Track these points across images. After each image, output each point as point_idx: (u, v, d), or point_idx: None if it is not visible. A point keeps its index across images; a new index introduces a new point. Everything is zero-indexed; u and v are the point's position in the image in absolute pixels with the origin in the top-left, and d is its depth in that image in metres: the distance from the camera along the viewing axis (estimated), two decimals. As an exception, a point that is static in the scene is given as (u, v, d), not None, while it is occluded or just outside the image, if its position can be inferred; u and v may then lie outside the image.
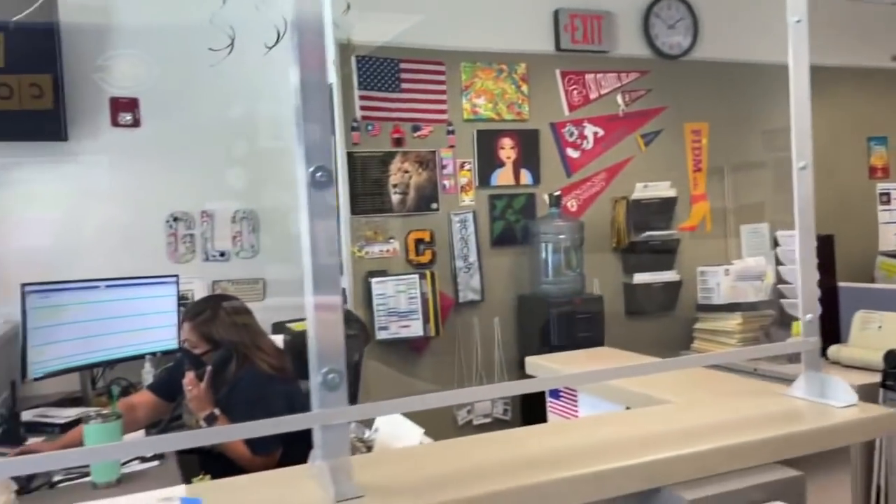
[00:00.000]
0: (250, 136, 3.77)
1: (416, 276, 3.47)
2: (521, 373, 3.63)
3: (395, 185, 3.50)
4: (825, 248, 3.77)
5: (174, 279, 3.38)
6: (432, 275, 3.51)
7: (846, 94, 4.68)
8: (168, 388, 2.53)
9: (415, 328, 3.38)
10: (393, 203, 3.50)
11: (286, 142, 3.90)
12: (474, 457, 1.12)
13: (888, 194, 4.83)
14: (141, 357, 3.22)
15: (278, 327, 3.71)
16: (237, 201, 3.79)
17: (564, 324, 3.50)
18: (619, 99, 4.01)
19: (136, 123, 3.60)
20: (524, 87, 3.76)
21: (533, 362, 2.23)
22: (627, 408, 1.60)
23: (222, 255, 3.80)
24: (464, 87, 3.64)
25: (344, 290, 3.44)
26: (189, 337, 2.44)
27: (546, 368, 2.10)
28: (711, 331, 3.91)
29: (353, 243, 3.43)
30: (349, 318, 3.05)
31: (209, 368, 2.33)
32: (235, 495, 1.04)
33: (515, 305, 3.72)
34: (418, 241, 3.53)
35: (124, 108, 3.56)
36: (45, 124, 3.33)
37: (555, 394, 1.88)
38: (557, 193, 3.68)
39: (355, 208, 3.43)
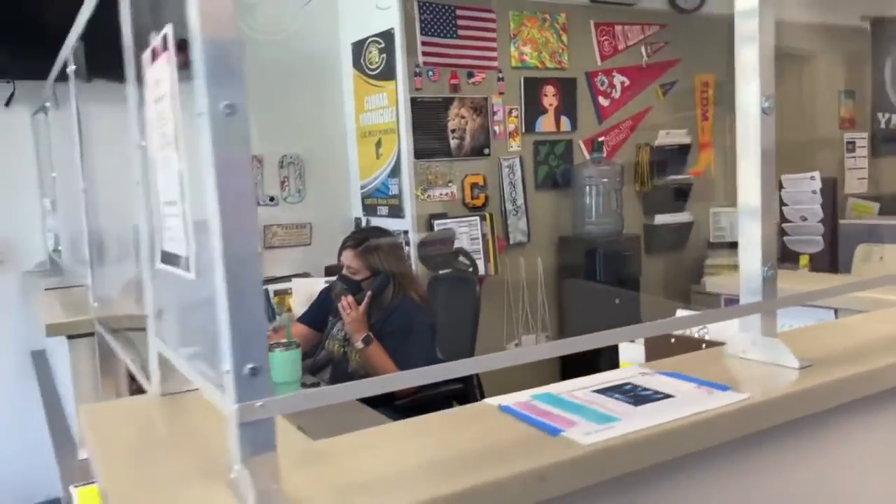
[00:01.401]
0: (294, 80, 3.77)
1: (477, 217, 3.63)
2: (558, 309, 3.89)
3: (453, 131, 3.62)
4: (829, 190, 4.21)
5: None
6: (490, 217, 3.68)
7: (820, 50, 5.11)
8: (318, 318, 2.66)
9: (478, 268, 3.55)
10: (451, 148, 3.62)
11: (328, 87, 3.93)
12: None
13: (853, 143, 5.35)
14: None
15: (330, 270, 3.79)
16: (284, 146, 3.80)
17: (610, 262, 3.77)
18: (643, 50, 4.25)
19: (185, 65, 3.51)
20: (564, 37, 3.93)
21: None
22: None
23: (272, 199, 3.81)
24: (512, 35, 3.76)
25: (407, 232, 3.56)
26: (351, 263, 2.56)
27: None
28: (722, 266, 4.29)
29: (416, 186, 3.54)
30: (461, 253, 3.19)
31: (369, 293, 2.45)
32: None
33: (556, 246, 3.95)
34: (473, 185, 3.68)
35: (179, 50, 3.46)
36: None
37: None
38: (601, 139, 3.90)
39: (418, 153, 3.53)
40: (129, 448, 0.92)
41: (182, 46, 2.92)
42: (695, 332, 1.42)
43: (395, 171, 3.61)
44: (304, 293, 3.49)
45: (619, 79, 4.16)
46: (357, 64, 3.80)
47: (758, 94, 1.08)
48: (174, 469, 0.84)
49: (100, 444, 0.92)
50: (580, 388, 1.03)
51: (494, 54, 3.70)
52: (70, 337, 1.86)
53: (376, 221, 3.82)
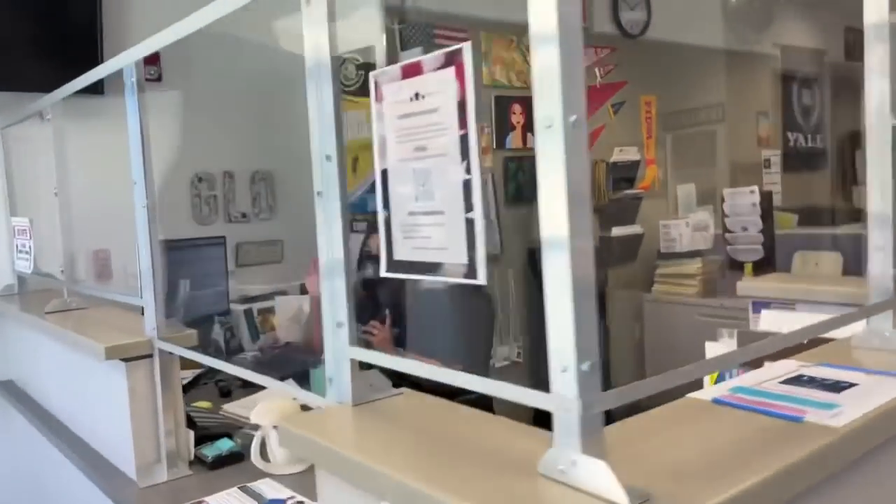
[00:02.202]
0: (266, 94, 3.71)
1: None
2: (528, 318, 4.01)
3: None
4: (766, 202, 4.58)
5: (221, 241, 3.29)
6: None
7: (741, 75, 5.55)
8: None
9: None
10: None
11: (297, 103, 3.87)
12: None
13: (769, 160, 5.82)
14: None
15: (305, 288, 3.74)
16: (255, 162, 3.73)
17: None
18: (597, 71, 4.47)
19: (158, 78, 3.40)
20: (528, 58, 4.07)
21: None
22: None
23: (244, 216, 3.72)
24: (483, 53, 3.88)
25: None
26: None
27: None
28: (673, 275, 4.56)
29: (399, 202, 3.56)
30: None
31: (388, 312, 2.46)
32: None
33: (527, 258, 4.07)
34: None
35: (148, 62, 3.33)
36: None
37: (763, 305, 2.27)
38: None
39: (400, 168, 3.56)
40: (400, 453, 0.92)
41: (152, 60, 2.84)
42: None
43: (374, 188, 3.61)
44: (287, 312, 3.43)
45: (576, 98, 4.35)
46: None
47: (889, 103, 1.21)
48: (471, 469, 0.86)
49: (365, 455, 0.92)
50: (762, 381, 1.12)
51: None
52: (126, 360, 1.77)
53: (353, 238, 3.80)
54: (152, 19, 3.34)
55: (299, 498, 1.64)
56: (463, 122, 0.85)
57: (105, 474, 1.87)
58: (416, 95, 0.92)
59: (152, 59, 3.37)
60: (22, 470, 2.87)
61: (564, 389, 0.76)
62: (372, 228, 3.66)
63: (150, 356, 1.79)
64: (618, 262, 4.54)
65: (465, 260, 0.87)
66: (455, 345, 2.67)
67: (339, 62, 1.09)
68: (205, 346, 3.11)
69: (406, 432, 1.00)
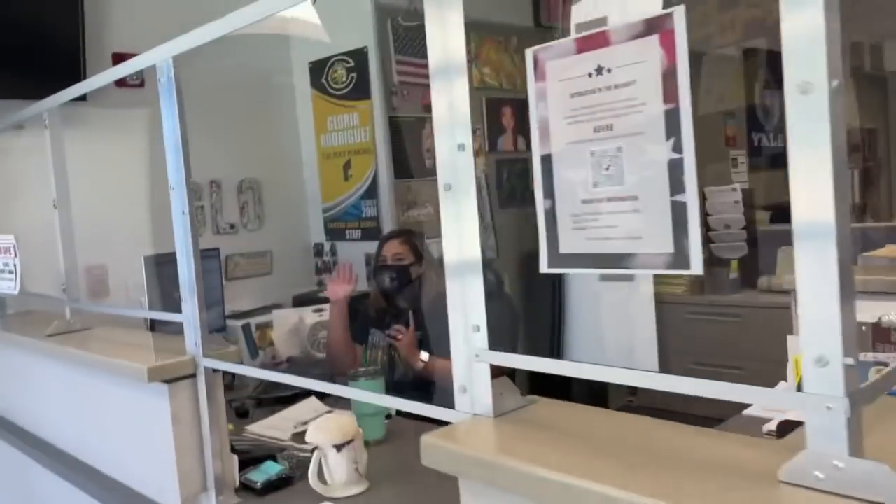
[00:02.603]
0: (251, 100, 3.56)
1: (458, 237, 3.60)
2: (525, 323, 3.94)
3: (427, 150, 3.58)
4: (748, 199, 4.64)
5: (216, 253, 3.12)
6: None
7: (709, 75, 5.65)
8: (360, 333, 2.62)
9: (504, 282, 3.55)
10: (426, 167, 3.58)
11: (281, 109, 3.73)
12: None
13: (736, 159, 5.93)
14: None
15: (298, 300, 3.59)
16: (242, 170, 3.57)
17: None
18: (579, 73, 4.46)
19: (142, 84, 3.21)
20: (516, 59, 4.03)
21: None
22: None
23: (232, 227, 3.56)
24: (473, 56, 3.81)
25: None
26: (399, 250, 2.63)
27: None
28: (660, 274, 4.56)
29: (397, 206, 3.45)
30: (487, 266, 3.14)
31: (411, 314, 2.40)
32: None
33: (523, 261, 4.02)
34: (447, 205, 3.65)
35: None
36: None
37: None
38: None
39: (397, 172, 3.46)
40: (591, 466, 0.83)
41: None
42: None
43: (371, 193, 3.50)
44: (285, 325, 3.27)
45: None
46: (317, 84, 3.66)
47: None
48: (692, 479, 0.77)
49: (545, 467, 0.82)
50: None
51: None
52: (168, 381, 1.62)
53: (345, 246, 3.68)
54: (135, 27, 3.19)
55: (371, 521, 1.52)
56: (670, 95, 0.78)
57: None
58: (599, 70, 0.83)
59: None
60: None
61: (824, 386, 0.69)
62: (373, 236, 3.55)
63: (193, 376, 1.64)
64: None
65: (670, 248, 0.79)
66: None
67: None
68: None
69: (583, 442, 0.90)
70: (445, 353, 2.51)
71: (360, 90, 3.46)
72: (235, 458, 1.74)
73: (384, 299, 2.71)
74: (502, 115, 3.95)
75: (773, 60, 6.08)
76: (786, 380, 1.86)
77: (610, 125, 0.83)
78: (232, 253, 3.52)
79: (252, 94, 3.60)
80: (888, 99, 7.16)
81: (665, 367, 4.22)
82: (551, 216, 0.91)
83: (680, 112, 0.77)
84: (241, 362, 1.77)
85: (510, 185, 3.98)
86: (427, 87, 3.71)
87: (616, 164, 0.83)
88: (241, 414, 2.41)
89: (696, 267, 0.78)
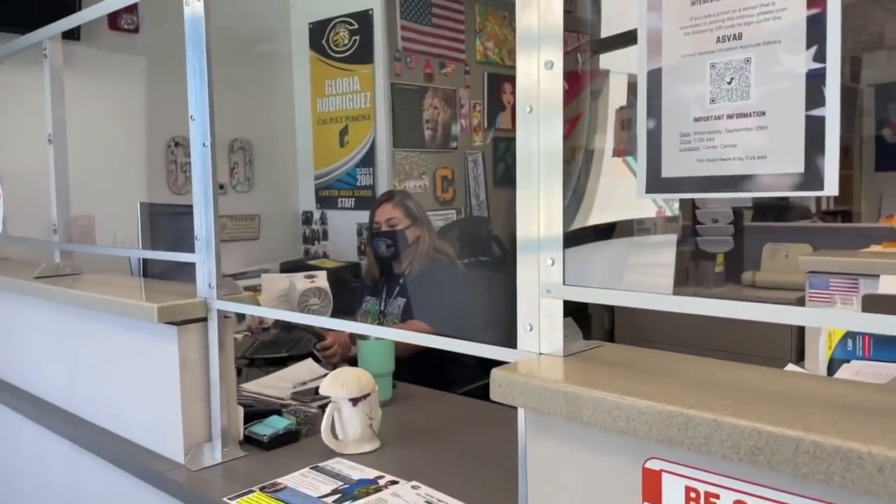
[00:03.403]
0: (242, 59, 3.43)
1: (454, 211, 3.53)
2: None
3: (427, 121, 3.50)
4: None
5: (205, 211, 2.99)
6: (463, 211, 3.60)
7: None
8: (351, 304, 2.72)
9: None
10: (425, 138, 3.50)
11: (277, 69, 3.61)
12: None
13: (722, 157, 5.97)
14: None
15: (285, 267, 3.48)
16: (234, 129, 3.44)
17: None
18: (578, 57, 4.41)
19: (136, 29, 3.07)
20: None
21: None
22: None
23: (221, 188, 3.40)
24: (477, 29, 3.74)
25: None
26: (393, 214, 2.57)
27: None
28: (647, 265, 4.56)
29: (394, 176, 3.37)
30: (496, 240, 3.08)
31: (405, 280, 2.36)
32: None
33: (512, 243, 3.96)
34: (444, 178, 3.59)
35: (126, 10, 3.00)
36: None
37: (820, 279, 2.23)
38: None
39: (396, 141, 3.37)
40: (702, 398, 0.77)
41: (130, 8, 2.56)
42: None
43: (368, 161, 3.41)
44: (273, 290, 3.16)
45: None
46: (317, 45, 3.55)
47: None
48: (827, 414, 0.72)
49: (642, 394, 0.76)
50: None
51: (462, 46, 3.65)
52: (177, 324, 1.52)
53: (337, 215, 3.58)
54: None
55: (390, 477, 1.45)
56: (817, 0, 0.72)
57: (142, 460, 1.60)
58: (728, -26, 0.77)
59: (129, 8, 3.03)
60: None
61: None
62: (367, 205, 3.46)
63: (203, 320, 1.55)
64: (592, 250, 4.50)
65: (800, 168, 0.74)
66: (478, 321, 2.56)
67: None
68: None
69: (669, 378, 0.84)
70: (430, 315, 2.49)
71: (361, 54, 3.36)
72: (241, 409, 1.65)
73: (379, 266, 2.65)
74: (503, 91, 3.88)
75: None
76: (793, 362, 1.85)
77: (739, 34, 0.77)
78: (220, 214, 3.38)
79: (249, 53, 3.47)
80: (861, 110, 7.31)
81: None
82: (655, 137, 0.84)
83: (826, 17, 0.71)
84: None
85: (505, 165, 3.92)
86: (431, 55, 3.67)
87: (741, 77, 0.77)
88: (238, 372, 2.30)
89: (831, 187, 0.72)
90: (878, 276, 2.19)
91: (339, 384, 1.58)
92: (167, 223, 2.51)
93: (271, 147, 3.59)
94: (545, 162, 0.97)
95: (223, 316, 1.56)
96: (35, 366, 2.13)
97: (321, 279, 3.12)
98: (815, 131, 0.73)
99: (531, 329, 0.98)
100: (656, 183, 0.85)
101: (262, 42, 3.55)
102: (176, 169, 3.23)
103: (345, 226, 3.53)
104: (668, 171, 0.84)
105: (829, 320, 0.71)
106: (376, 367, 1.95)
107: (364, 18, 3.34)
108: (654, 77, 0.84)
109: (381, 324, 2.68)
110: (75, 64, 2.84)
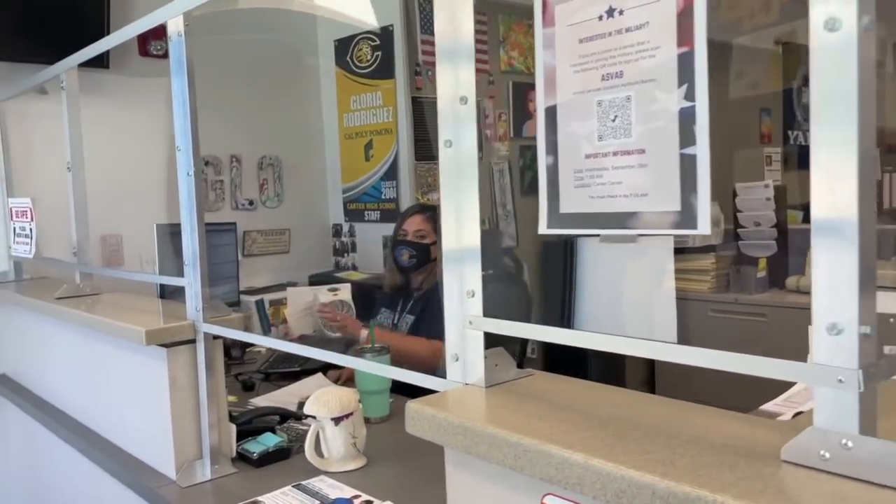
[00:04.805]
0: (271, 77, 3.53)
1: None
2: (543, 312, 3.87)
3: (449, 133, 3.52)
4: (781, 197, 4.51)
5: (232, 227, 3.10)
6: (488, 221, 3.61)
7: (743, 69, 5.50)
8: (368, 314, 2.72)
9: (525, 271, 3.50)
10: (448, 150, 3.52)
11: (305, 86, 3.70)
12: None
13: (770, 157, 5.78)
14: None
15: (314, 280, 3.56)
16: (263, 146, 3.54)
17: (589, 265, 3.81)
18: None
19: (165, 54, 3.19)
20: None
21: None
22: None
23: (251, 203, 3.53)
24: (501, 38, 3.74)
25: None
26: (421, 227, 2.60)
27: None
28: (686, 270, 4.47)
29: (416, 189, 3.41)
30: (508, 254, 3.09)
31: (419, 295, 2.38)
32: None
33: (541, 250, 3.94)
34: (468, 189, 3.60)
35: (155, 36, 3.13)
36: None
37: None
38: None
39: (418, 154, 3.41)
40: (586, 437, 0.77)
41: (159, 34, 2.61)
42: None
43: (391, 174, 3.46)
44: (298, 303, 3.24)
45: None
46: (342, 62, 3.62)
47: None
48: (693, 455, 0.71)
49: (528, 433, 0.77)
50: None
51: (486, 57, 3.66)
52: (166, 346, 1.59)
53: (364, 227, 3.64)
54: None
55: (366, 497, 1.47)
56: (685, 38, 0.71)
57: (137, 475, 1.68)
58: (611, 12, 0.77)
59: (158, 34, 3.16)
60: (18, 470, 2.65)
61: (836, 357, 0.62)
62: (392, 218, 3.51)
63: (192, 341, 1.61)
64: (629, 256, 4.43)
65: (676, 206, 0.73)
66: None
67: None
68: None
69: (573, 414, 0.85)
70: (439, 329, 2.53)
71: (384, 69, 3.41)
72: (233, 427, 1.71)
73: (399, 275, 2.67)
74: (529, 99, 3.87)
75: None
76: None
77: (620, 72, 0.77)
78: (250, 229, 3.50)
79: (277, 71, 3.57)
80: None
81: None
82: (553, 173, 0.85)
83: (695, 56, 0.71)
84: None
85: (533, 173, 3.91)
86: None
87: (623, 115, 0.77)
88: (247, 387, 2.38)
89: (704, 227, 0.71)
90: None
91: (321, 404, 1.62)
92: (178, 244, 2.62)
93: (300, 162, 3.68)
94: (465, 189, 0.98)
95: (212, 337, 1.62)
96: (57, 378, 2.26)
97: (345, 292, 3.18)
98: (687, 170, 0.72)
99: (457, 360, 0.99)
100: (555, 218, 0.86)
101: (290, 60, 3.64)
102: (206, 187, 3.35)
103: (372, 238, 3.59)
104: (565, 207, 0.84)
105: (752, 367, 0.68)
106: (372, 383, 1.99)
107: (385, 34, 3.39)
108: (551, 114, 0.85)
109: None
110: (105, 91, 2.99)
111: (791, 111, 5.97)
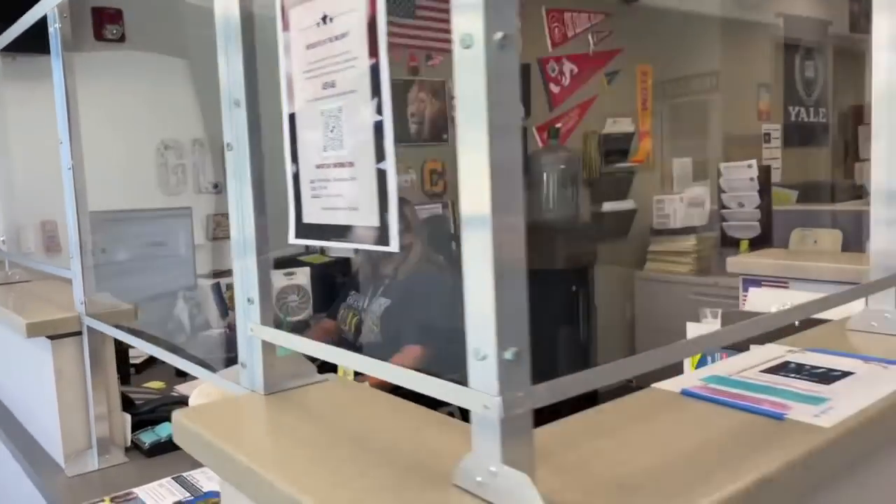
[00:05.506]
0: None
1: (440, 205, 3.52)
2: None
3: (412, 115, 3.49)
4: (764, 177, 4.40)
5: (187, 212, 3.12)
6: (453, 204, 3.58)
7: (742, 44, 5.34)
8: (337, 298, 2.68)
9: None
10: (411, 132, 3.50)
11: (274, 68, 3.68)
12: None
13: (769, 134, 5.63)
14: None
15: (279, 262, 3.58)
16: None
17: (566, 249, 3.76)
18: (590, 38, 4.27)
19: (121, 38, 3.20)
20: (517, 22, 3.87)
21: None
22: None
23: (216, 187, 3.54)
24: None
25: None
26: None
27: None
28: (667, 252, 4.40)
29: (377, 172, 3.39)
30: (457, 239, 3.08)
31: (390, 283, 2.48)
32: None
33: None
34: (433, 172, 3.57)
35: (110, 20, 3.15)
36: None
37: (756, 284, 2.12)
38: (558, 126, 3.89)
39: (379, 137, 3.38)
40: (294, 455, 0.77)
41: (114, 19, 2.61)
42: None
43: (353, 157, 3.44)
44: (258, 286, 3.27)
45: (568, 66, 4.16)
46: (307, 43, 3.59)
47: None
48: (373, 476, 0.70)
49: (250, 454, 0.76)
50: (741, 369, 0.97)
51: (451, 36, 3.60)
52: (52, 337, 1.62)
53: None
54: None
55: (238, 490, 1.49)
56: (374, 50, 0.69)
57: (34, 459, 1.72)
58: (325, 18, 0.74)
59: (114, 18, 3.18)
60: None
61: (482, 383, 0.60)
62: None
63: (80, 333, 1.63)
64: (609, 238, 4.38)
65: (375, 222, 0.71)
66: (433, 328, 2.56)
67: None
68: (165, 322, 2.96)
69: (313, 429, 0.84)
70: (415, 329, 2.53)
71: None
72: (128, 417, 1.73)
73: (367, 264, 2.72)
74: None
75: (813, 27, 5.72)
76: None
77: (333, 81, 0.75)
78: (215, 212, 3.52)
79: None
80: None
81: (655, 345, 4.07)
82: (296, 182, 0.83)
83: (380, 69, 0.68)
84: (131, 327, 1.74)
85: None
86: (415, 48, 3.66)
87: (338, 126, 0.75)
88: (181, 373, 2.40)
89: (394, 244, 0.69)
90: (813, 280, 2.03)
91: (204, 396, 1.63)
92: (121, 230, 2.64)
93: (267, 145, 3.67)
94: (245, 198, 0.96)
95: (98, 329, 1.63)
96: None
97: (301, 276, 3.19)
98: (382, 185, 0.70)
99: (245, 366, 0.98)
100: (301, 228, 0.84)
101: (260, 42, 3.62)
102: (167, 171, 3.37)
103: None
104: (306, 217, 0.83)
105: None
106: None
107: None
108: (292, 121, 0.83)
109: (360, 321, 2.73)
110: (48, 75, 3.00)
111: (793, 86, 5.79)
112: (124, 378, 2.23)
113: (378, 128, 0.69)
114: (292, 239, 0.85)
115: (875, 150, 1.09)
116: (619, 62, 4.44)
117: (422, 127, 3.52)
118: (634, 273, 4.51)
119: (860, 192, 5.66)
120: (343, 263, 3.47)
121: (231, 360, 2.52)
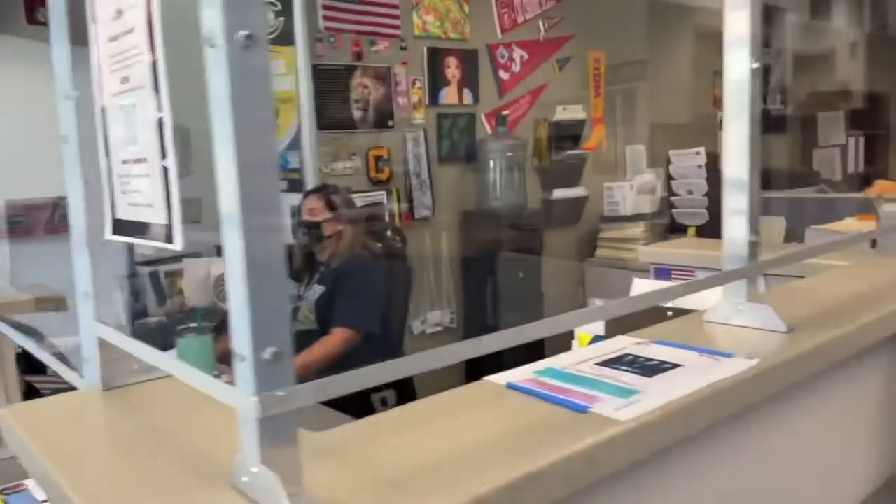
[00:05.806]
0: (181, 40, 3.47)
1: (384, 192, 3.52)
2: (462, 282, 3.85)
3: (356, 101, 3.47)
4: (712, 164, 4.43)
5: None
6: (398, 191, 3.58)
7: (697, 32, 5.36)
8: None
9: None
10: (355, 119, 3.48)
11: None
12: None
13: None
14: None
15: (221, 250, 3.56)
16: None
17: (514, 236, 3.78)
18: (541, 24, 4.26)
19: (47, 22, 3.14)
20: (465, 7, 3.87)
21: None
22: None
23: (157, 172, 3.50)
24: (414, 2, 3.65)
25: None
26: (315, 205, 2.65)
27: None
28: (617, 238, 4.42)
29: (319, 159, 3.37)
30: (392, 228, 3.08)
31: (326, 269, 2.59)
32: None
33: (460, 220, 3.91)
34: (377, 158, 3.56)
35: (42, 2, 3.09)
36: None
37: (666, 273, 2.14)
38: (505, 113, 3.88)
39: (320, 123, 3.36)
40: (93, 454, 0.77)
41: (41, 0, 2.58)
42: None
43: (296, 143, 3.42)
44: (196, 274, 3.25)
45: (518, 52, 4.15)
46: (250, 28, 3.55)
47: (748, 59, 1.06)
48: (159, 476, 0.71)
49: (50, 453, 0.77)
50: (579, 361, 0.98)
51: (397, 22, 3.58)
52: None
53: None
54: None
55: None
56: (153, 46, 0.68)
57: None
58: (118, 12, 0.74)
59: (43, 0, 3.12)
60: None
61: (242, 383, 0.61)
62: (298, 188, 3.48)
63: (-25, 325, 1.62)
64: (560, 224, 4.39)
65: (164, 219, 0.71)
66: (364, 312, 2.57)
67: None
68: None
69: (130, 427, 0.84)
70: (346, 313, 2.56)
71: (285, 36, 3.34)
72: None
73: (299, 252, 2.72)
74: (446, 66, 3.80)
75: (769, 14, 5.74)
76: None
77: (128, 77, 0.74)
78: (156, 198, 3.48)
79: (182, 38, 3.51)
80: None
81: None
82: (109, 177, 0.83)
83: (157, 65, 0.68)
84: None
85: (451, 141, 3.86)
86: (359, 33, 3.62)
87: (133, 122, 0.74)
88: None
89: (178, 242, 0.69)
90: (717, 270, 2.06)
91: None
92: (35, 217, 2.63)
93: (207, 132, 3.63)
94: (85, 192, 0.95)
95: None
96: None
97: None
98: (167, 182, 0.70)
99: (87, 363, 0.98)
100: (116, 225, 0.84)
101: (192, 26, 3.58)
102: (107, 157, 3.33)
103: (281, 208, 3.57)
104: (118, 213, 0.82)
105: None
106: (195, 362, 2.00)
107: (286, 0, 3.32)
108: (103, 114, 0.82)
109: (297, 309, 2.73)
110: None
111: (750, 74, 5.80)
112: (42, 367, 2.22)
113: (161, 124, 0.69)
114: (108, 235, 0.84)
115: (725, 140, 1.10)
116: (570, 48, 4.44)
117: (366, 113, 3.51)
118: (586, 260, 4.53)
119: (816, 179, 5.74)
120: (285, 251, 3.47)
121: (166, 347, 2.53)
